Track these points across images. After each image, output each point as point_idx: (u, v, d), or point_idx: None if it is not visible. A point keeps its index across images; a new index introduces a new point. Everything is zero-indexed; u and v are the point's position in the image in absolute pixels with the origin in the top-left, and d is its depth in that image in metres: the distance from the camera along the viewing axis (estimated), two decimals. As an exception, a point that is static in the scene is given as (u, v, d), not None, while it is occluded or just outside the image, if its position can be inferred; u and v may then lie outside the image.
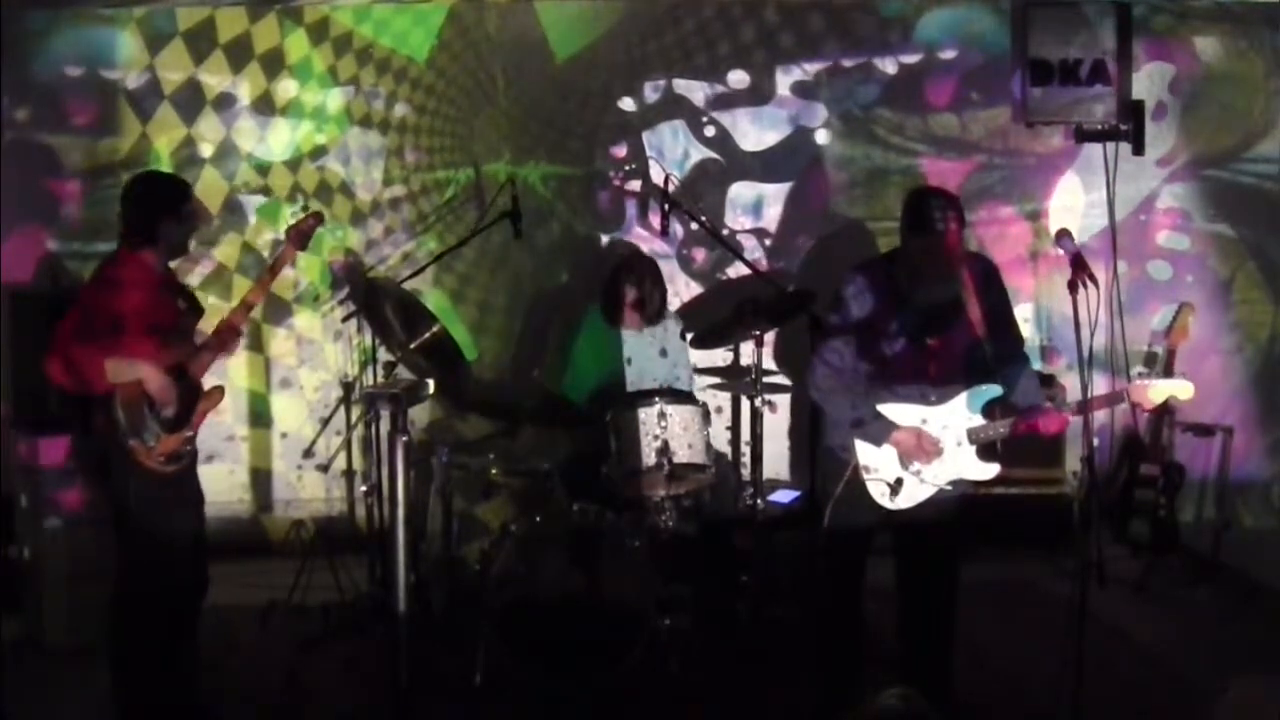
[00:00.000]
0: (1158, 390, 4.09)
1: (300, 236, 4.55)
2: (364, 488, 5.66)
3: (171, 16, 6.49)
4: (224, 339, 4.42)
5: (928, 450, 4.13)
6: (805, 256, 6.80)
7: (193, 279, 6.35)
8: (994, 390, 4.15)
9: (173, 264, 4.48)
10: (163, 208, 4.27)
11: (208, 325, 4.50)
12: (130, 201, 4.32)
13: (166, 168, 6.38)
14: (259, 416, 6.73)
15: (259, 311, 6.24)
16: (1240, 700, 4.12)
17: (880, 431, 4.14)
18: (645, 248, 6.45)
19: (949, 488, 4.20)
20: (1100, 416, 6.27)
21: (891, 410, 4.15)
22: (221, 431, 6.58)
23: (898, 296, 4.15)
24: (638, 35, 6.71)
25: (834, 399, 4.21)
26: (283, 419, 6.74)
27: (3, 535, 5.43)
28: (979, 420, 4.16)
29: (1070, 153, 6.80)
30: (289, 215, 6.24)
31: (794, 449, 6.76)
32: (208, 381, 4.42)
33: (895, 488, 4.17)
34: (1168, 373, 6.10)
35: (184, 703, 4.39)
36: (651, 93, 6.75)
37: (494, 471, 5.28)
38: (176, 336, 4.29)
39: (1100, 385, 5.03)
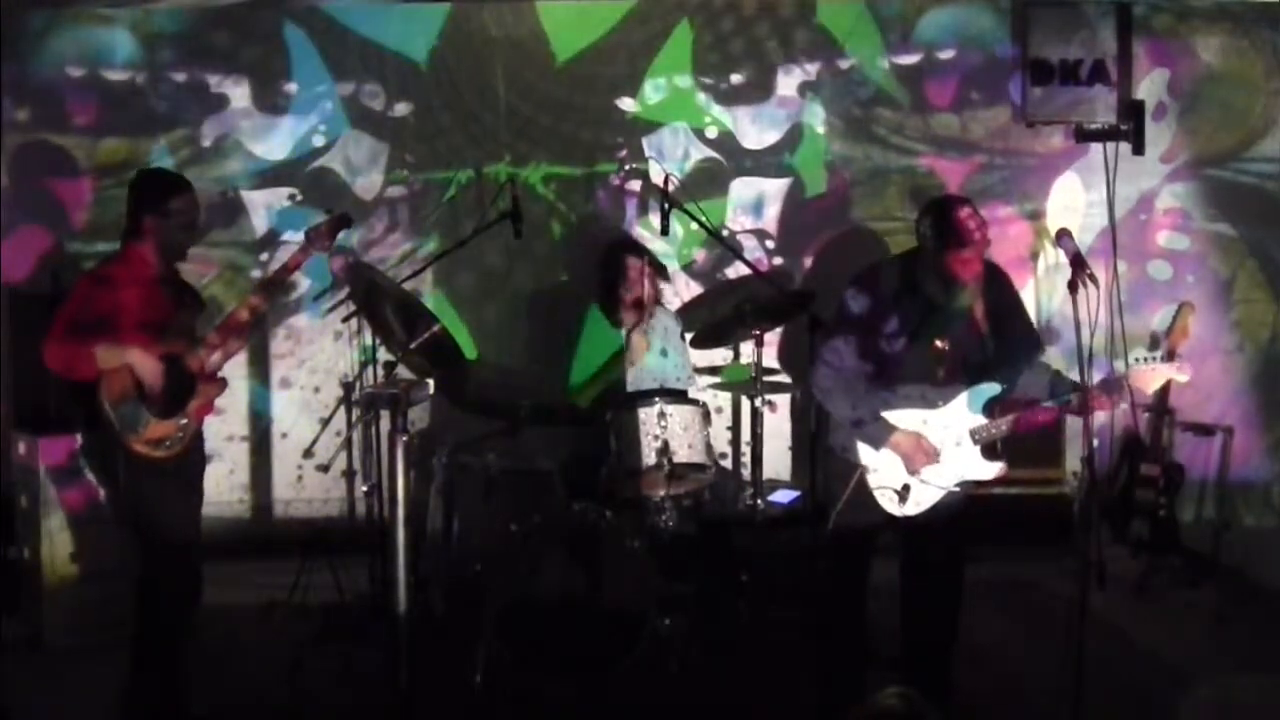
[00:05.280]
0: (1159, 374, 4.10)
1: (324, 236, 4.55)
2: (364, 488, 5.65)
3: (171, 16, 6.49)
4: (227, 334, 4.41)
5: (926, 453, 4.13)
6: (811, 257, 6.79)
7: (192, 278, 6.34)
8: (994, 389, 4.16)
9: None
10: (147, 205, 4.30)
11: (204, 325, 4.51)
12: (127, 198, 4.37)
13: (167, 167, 6.38)
14: (259, 416, 6.74)
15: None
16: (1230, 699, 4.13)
17: (880, 434, 4.14)
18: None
19: (955, 489, 4.20)
20: (1100, 416, 6.30)
21: (893, 414, 4.16)
22: (221, 431, 6.57)
23: (912, 300, 4.16)
24: (638, 35, 6.70)
25: (835, 399, 4.21)
26: (283, 419, 6.74)
27: (3, 535, 5.43)
28: (981, 420, 4.16)
29: (1070, 153, 6.79)
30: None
31: (794, 449, 6.75)
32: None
33: (903, 494, 4.18)
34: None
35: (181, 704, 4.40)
36: (652, 93, 6.75)
37: (494, 471, 5.27)
38: (170, 332, 4.29)
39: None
